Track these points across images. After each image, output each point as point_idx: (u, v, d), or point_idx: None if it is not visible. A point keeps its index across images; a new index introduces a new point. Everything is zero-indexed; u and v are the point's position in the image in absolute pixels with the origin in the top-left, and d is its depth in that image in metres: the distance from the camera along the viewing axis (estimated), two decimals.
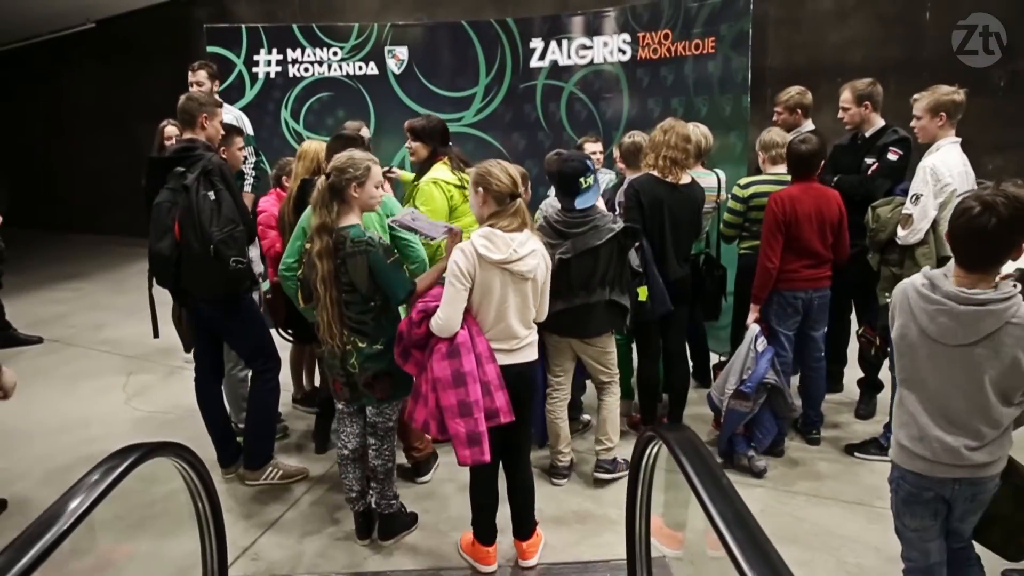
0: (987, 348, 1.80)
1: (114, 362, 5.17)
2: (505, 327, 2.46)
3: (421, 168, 3.49)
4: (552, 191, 3.57)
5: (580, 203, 3.02)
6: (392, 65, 5.65)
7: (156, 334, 3.41)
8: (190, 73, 4.61)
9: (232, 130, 3.47)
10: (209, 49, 5.27)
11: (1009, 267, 2.00)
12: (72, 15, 8.57)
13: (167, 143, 4.11)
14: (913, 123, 3.23)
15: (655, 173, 3.36)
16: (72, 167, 10.51)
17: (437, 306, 2.38)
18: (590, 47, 5.36)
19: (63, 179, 10.79)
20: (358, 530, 2.90)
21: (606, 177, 4.73)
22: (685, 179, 3.40)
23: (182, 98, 3.15)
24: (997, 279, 1.85)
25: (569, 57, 5.46)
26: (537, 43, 5.54)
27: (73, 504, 1.42)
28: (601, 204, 3.33)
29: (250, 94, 5.46)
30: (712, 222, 3.98)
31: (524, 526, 2.74)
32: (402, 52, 5.64)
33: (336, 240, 2.51)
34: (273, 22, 8.08)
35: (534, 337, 2.56)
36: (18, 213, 10.85)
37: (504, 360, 2.46)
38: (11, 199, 5.56)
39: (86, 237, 10.75)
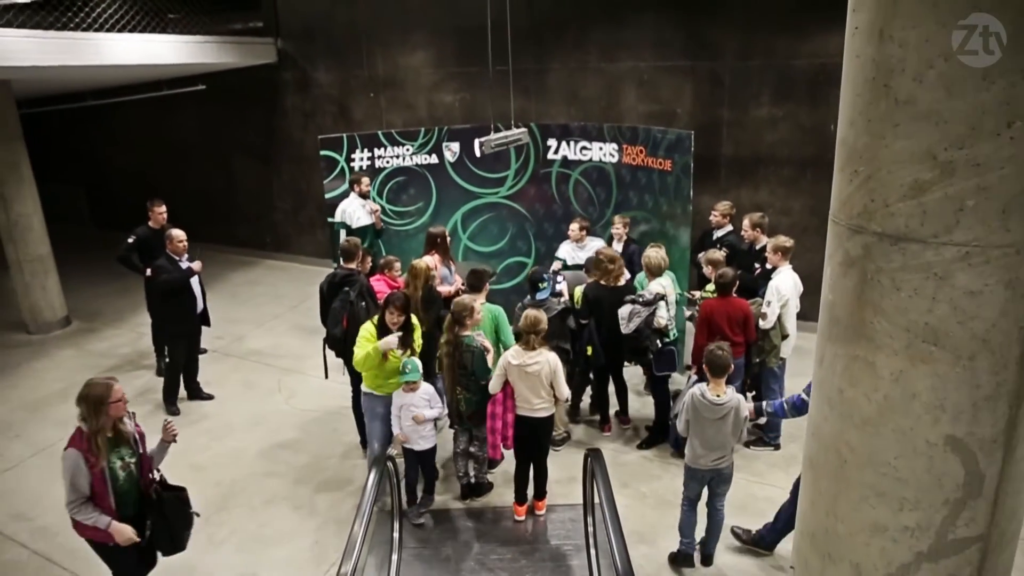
0: (723, 419, 4.12)
1: (266, 371, 7.58)
2: (523, 395, 4.76)
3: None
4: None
5: (539, 296, 5.47)
6: (448, 156, 7.85)
7: (327, 376, 5.76)
8: (362, 182, 7.10)
9: (355, 246, 5.81)
10: (322, 152, 7.49)
11: None
12: (187, 73, 10.80)
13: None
14: (767, 254, 5.43)
15: (602, 282, 5.63)
16: (179, 187, 12.80)
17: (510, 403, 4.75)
18: (590, 149, 7.50)
19: (171, 197, 13.10)
20: (462, 495, 5.27)
21: (599, 243, 6.99)
22: (621, 282, 5.68)
23: (343, 241, 5.46)
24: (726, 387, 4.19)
25: (575, 154, 7.61)
26: (552, 142, 7.70)
27: (370, 486, 3.73)
28: (566, 289, 5.74)
29: (349, 180, 7.70)
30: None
31: (540, 492, 5.08)
32: (455, 147, 7.83)
33: (458, 343, 4.81)
34: (345, 88, 10.28)
35: (548, 402, 4.79)
36: (138, 223, 13.25)
37: (523, 412, 4.78)
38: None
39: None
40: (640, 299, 5.51)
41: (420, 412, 4.72)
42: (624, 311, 5.51)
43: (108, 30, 7.81)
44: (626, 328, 5.45)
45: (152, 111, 12.32)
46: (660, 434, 5.92)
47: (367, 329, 4.86)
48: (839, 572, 2.57)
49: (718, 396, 4.15)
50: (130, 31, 8.08)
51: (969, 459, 2.23)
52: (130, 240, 7.00)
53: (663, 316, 5.56)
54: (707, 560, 4.58)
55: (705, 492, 4.46)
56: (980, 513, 2.29)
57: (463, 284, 5.77)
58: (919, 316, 2.16)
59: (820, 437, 2.61)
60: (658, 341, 5.61)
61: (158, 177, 13.12)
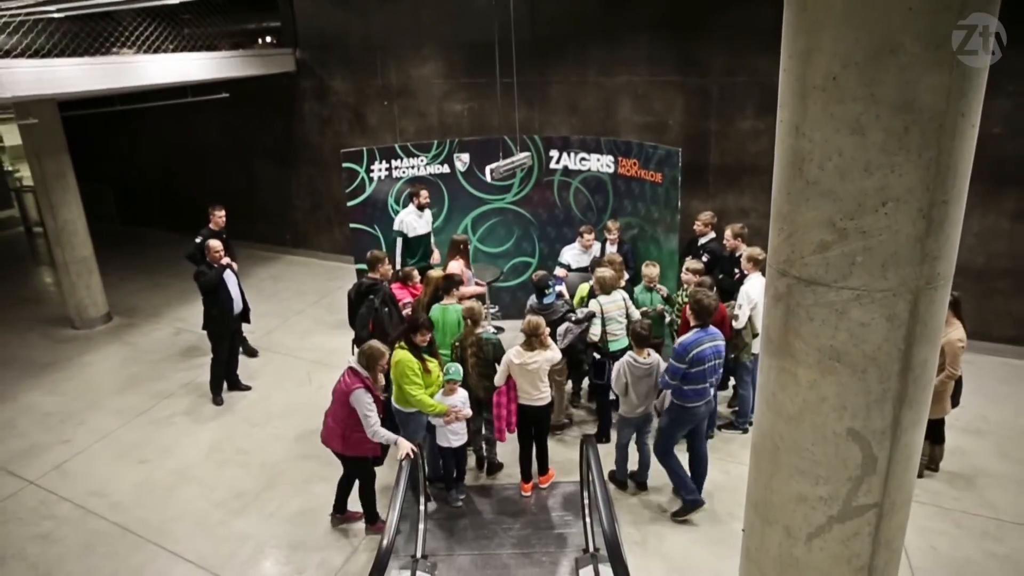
0: (648, 375, 5.11)
1: (295, 363, 8.33)
2: (524, 388, 5.49)
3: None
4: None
5: (546, 301, 6.13)
6: (459, 165, 8.55)
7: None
8: (420, 195, 7.79)
9: (379, 258, 6.50)
10: (344, 165, 8.20)
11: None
12: (212, 82, 11.47)
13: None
14: (742, 262, 6.15)
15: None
16: (202, 187, 13.52)
17: (513, 394, 5.49)
18: (588, 160, 8.19)
19: (194, 196, 13.85)
20: (477, 466, 6.11)
21: (598, 245, 7.71)
22: (621, 283, 6.38)
23: (368, 254, 6.19)
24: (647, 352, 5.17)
25: (575, 164, 8.30)
26: (554, 152, 8.39)
27: (404, 467, 4.51)
28: (565, 291, 6.45)
29: (369, 189, 8.39)
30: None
31: (543, 468, 5.84)
32: (465, 157, 8.53)
33: (479, 340, 5.54)
34: (360, 96, 10.94)
35: (545, 392, 5.53)
36: (164, 220, 13.98)
37: (524, 402, 5.52)
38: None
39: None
40: (572, 318, 6.12)
41: (464, 410, 5.34)
42: (561, 328, 6.09)
43: (129, 35, 8.44)
44: (560, 344, 5.90)
45: (177, 115, 12.98)
46: (603, 436, 6.41)
47: (408, 362, 5.19)
48: (774, 532, 3.32)
49: (643, 359, 5.31)
50: (148, 36, 8.69)
51: (865, 446, 2.97)
52: (197, 240, 7.80)
53: (595, 333, 6.09)
54: (643, 486, 5.80)
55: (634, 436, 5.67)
56: (875, 486, 3.03)
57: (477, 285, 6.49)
58: (826, 340, 2.88)
59: (760, 429, 3.35)
60: (595, 354, 6.23)
61: (182, 177, 13.86)
